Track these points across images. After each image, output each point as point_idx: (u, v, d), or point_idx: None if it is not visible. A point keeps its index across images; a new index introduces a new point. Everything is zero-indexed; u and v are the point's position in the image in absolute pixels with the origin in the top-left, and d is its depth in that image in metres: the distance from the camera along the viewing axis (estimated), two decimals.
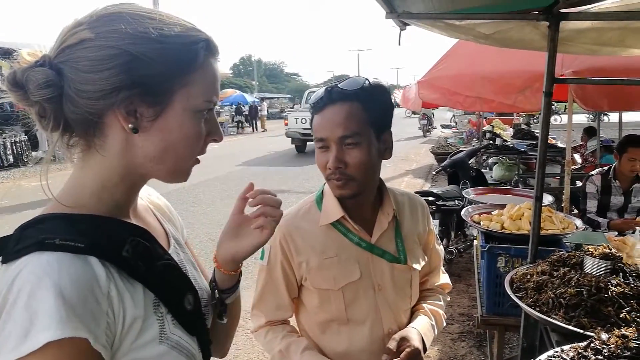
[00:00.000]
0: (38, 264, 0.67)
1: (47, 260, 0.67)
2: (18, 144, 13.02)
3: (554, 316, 1.48)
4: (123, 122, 0.75)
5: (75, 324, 0.65)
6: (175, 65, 0.76)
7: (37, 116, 0.75)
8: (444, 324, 1.55)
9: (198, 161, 0.86)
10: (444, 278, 1.63)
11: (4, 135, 12.76)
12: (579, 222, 2.70)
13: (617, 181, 3.88)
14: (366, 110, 1.26)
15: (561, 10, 1.93)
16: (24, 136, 13.27)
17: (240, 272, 1.00)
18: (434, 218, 4.73)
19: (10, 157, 12.75)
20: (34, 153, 13.66)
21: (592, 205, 3.93)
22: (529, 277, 1.75)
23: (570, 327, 1.40)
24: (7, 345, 0.63)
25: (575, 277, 1.58)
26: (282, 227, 1.36)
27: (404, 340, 1.30)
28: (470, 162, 6.37)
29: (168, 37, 0.76)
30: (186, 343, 0.83)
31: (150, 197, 1.01)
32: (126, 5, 0.78)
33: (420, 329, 1.38)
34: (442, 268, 1.65)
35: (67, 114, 0.75)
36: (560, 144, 7.67)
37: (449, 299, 1.62)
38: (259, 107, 28.73)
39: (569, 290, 1.53)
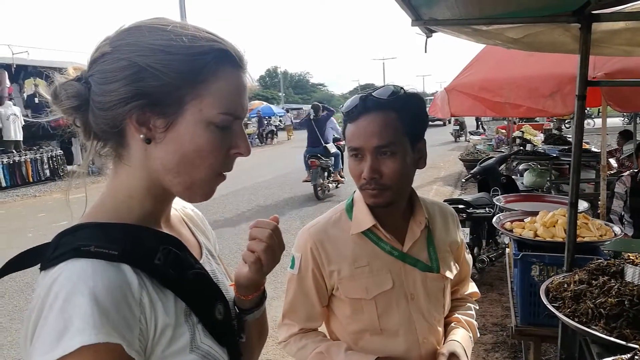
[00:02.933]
0: (74, 270, 0.69)
1: (82, 266, 0.69)
2: (54, 159, 13.46)
3: (594, 327, 1.43)
4: (136, 132, 0.77)
5: (108, 329, 0.66)
6: (181, 76, 0.75)
7: (75, 125, 0.81)
8: (478, 334, 1.52)
9: (223, 177, 0.84)
10: (472, 287, 1.61)
11: (41, 150, 13.22)
12: (617, 229, 2.61)
13: None
14: (401, 120, 1.24)
15: (593, 12, 1.88)
16: (60, 151, 13.73)
17: (261, 295, 0.98)
18: (464, 226, 4.66)
19: (47, 172, 13.19)
20: (69, 167, 14.12)
21: (617, 205, 3.93)
22: (565, 286, 1.70)
23: (612, 339, 1.35)
24: (42, 347, 0.64)
25: (615, 287, 1.52)
26: (312, 235, 1.36)
27: (453, 356, 1.30)
28: (500, 168, 6.25)
29: (176, 48, 0.75)
30: (216, 353, 0.83)
31: (185, 209, 1.03)
32: (149, 20, 0.79)
33: (463, 343, 1.37)
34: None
35: (92, 124, 0.78)
36: (594, 149, 7.45)
37: (477, 308, 1.60)
38: (266, 120, 29.26)
39: (610, 300, 1.48)
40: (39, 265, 0.75)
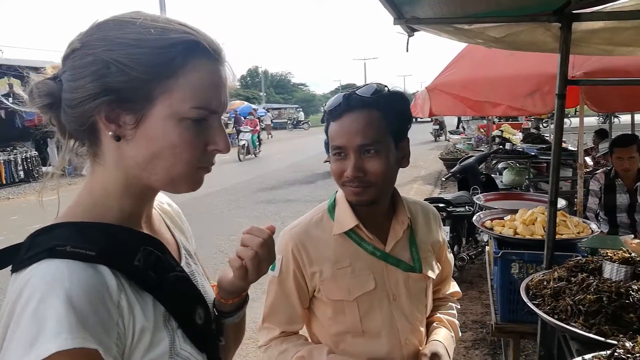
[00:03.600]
0: (48, 271, 0.66)
1: (58, 267, 0.66)
2: (29, 160, 13.16)
3: (573, 324, 1.45)
4: (105, 130, 0.75)
5: (85, 334, 0.63)
6: (149, 70, 0.72)
7: (51, 124, 0.78)
8: (460, 334, 1.52)
9: (205, 170, 0.81)
10: (454, 286, 1.62)
11: (15, 151, 12.90)
12: (594, 225, 2.65)
13: (620, 179, 3.92)
14: (385, 118, 1.23)
15: (573, 12, 1.90)
16: (34, 152, 13.42)
17: (243, 300, 0.96)
18: (444, 224, 4.69)
19: (22, 173, 12.89)
20: (44, 168, 13.81)
21: (592, 202, 4.04)
22: (545, 283, 1.71)
23: (591, 335, 1.36)
24: (14, 353, 0.61)
25: (594, 283, 1.54)
26: (294, 236, 1.34)
27: (435, 356, 1.30)
28: (480, 167, 6.31)
29: (143, 42, 0.72)
30: (195, 359, 0.81)
31: (162, 204, 0.99)
32: (122, 14, 0.76)
33: (445, 343, 1.37)
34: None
35: (64, 122, 0.76)
36: (570, 147, 7.59)
37: (459, 307, 1.60)
38: (259, 118, 29.23)
39: (588, 296, 1.49)
40: (9, 268, 0.71)
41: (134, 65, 0.71)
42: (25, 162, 13.06)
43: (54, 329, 0.61)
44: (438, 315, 1.49)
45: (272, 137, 29.49)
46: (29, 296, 0.64)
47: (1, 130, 12.54)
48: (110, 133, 0.74)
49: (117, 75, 0.71)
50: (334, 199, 1.39)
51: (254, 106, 33.00)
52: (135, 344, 0.71)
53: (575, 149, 5.94)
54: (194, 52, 0.75)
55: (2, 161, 12.36)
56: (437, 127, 22.97)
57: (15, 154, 12.82)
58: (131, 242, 0.77)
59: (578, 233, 2.57)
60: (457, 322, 1.51)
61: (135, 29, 0.73)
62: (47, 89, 0.74)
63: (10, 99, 12.52)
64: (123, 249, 0.74)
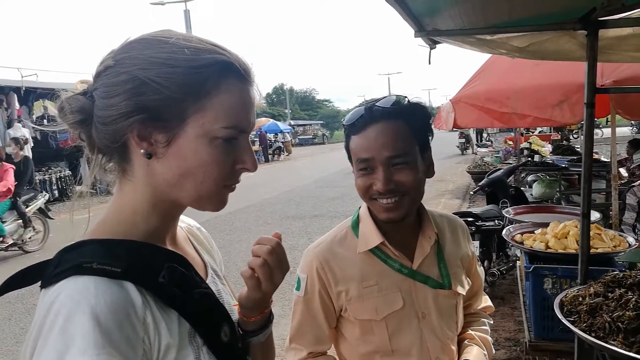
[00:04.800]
0: (75, 287, 0.67)
1: (84, 283, 0.67)
2: (63, 179, 13.57)
3: (612, 342, 1.38)
4: (137, 147, 0.75)
5: (110, 350, 0.63)
6: (183, 90, 0.73)
7: (80, 139, 0.80)
8: (493, 351, 1.46)
9: (230, 189, 0.82)
10: (485, 300, 1.55)
11: (50, 171, 13.32)
12: (631, 239, 2.55)
13: None
14: (411, 128, 1.21)
15: (599, 19, 1.85)
16: (68, 171, 13.84)
17: (267, 318, 0.94)
18: (473, 239, 4.59)
19: (56, 192, 13.29)
20: (77, 188, 14.18)
21: (629, 217, 3.82)
22: (580, 299, 1.64)
23: (632, 355, 1.29)
24: None
25: (633, 299, 1.47)
26: (318, 255, 1.31)
27: None
28: (508, 180, 6.18)
29: (177, 61, 0.73)
30: None
31: (191, 227, 1.00)
32: (154, 32, 0.78)
33: None
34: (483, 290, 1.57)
35: (95, 138, 0.77)
36: (603, 158, 7.36)
37: (492, 322, 1.53)
38: (274, 137, 29.35)
39: (628, 313, 1.42)
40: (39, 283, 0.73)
41: (168, 84, 0.72)
42: (59, 182, 13.46)
43: (80, 344, 0.62)
44: (470, 332, 1.43)
45: (287, 154, 28.34)
46: (56, 312, 0.65)
47: (37, 151, 12.98)
48: (142, 151, 0.75)
49: (151, 94, 0.72)
50: (357, 215, 1.36)
51: (279, 123, 33.48)
52: (162, 359, 0.71)
53: (608, 160, 5.76)
54: (227, 72, 0.76)
55: (38, 181, 12.76)
56: (463, 140, 22.72)
57: (50, 174, 13.23)
58: (156, 259, 0.77)
59: (614, 247, 2.48)
60: (490, 338, 1.45)
61: (170, 48, 0.74)
62: (78, 105, 0.76)
63: (45, 121, 13.00)
64: (148, 266, 0.75)
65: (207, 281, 0.87)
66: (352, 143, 1.24)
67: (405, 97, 1.24)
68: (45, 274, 0.72)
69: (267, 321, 0.94)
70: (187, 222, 1.00)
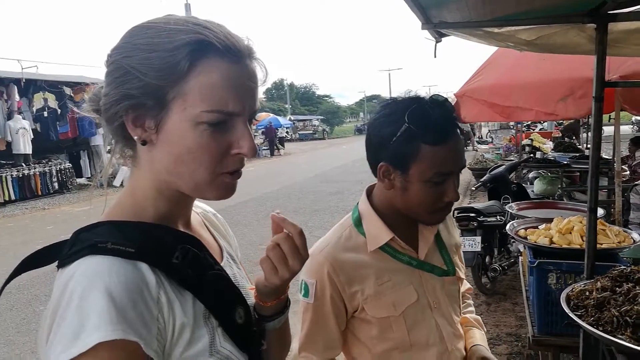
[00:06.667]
0: (89, 266, 0.68)
1: (99, 263, 0.68)
2: (63, 172, 13.53)
3: (620, 336, 1.37)
4: (132, 134, 0.76)
5: (125, 326, 0.64)
6: (161, 75, 0.71)
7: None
8: (485, 329, 1.53)
9: (234, 176, 0.79)
10: (466, 283, 1.58)
11: (50, 163, 13.30)
12: (636, 235, 2.54)
13: None
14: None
15: (609, 12, 1.84)
16: (69, 164, 13.82)
17: (283, 304, 0.93)
18: (475, 235, 4.59)
19: (56, 185, 13.26)
20: (77, 180, 14.19)
21: (635, 217, 3.76)
22: (587, 294, 1.63)
23: None
24: (59, 346, 0.63)
25: None
26: (328, 257, 1.26)
27: None
28: (510, 176, 6.16)
29: (155, 45, 0.72)
30: (236, 359, 0.80)
31: (207, 213, 1.01)
32: (148, 19, 0.77)
33: (485, 344, 1.37)
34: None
35: (105, 125, 0.79)
36: (605, 156, 7.35)
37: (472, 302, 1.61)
38: (277, 130, 29.01)
39: (636, 307, 1.42)
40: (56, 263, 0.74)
41: (147, 70, 0.71)
42: (59, 174, 13.43)
43: (95, 321, 0.63)
44: (465, 316, 1.48)
45: (279, 151, 26.77)
46: (72, 291, 0.66)
47: (37, 143, 12.95)
48: (136, 137, 0.76)
49: (134, 82, 0.72)
50: (358, 213, 1.33)
51: (280, 118, 33.39)
52: (176, 340, 0.72)
53: (610, 157, 5.75)
54: (204, 52, 0.72)
55: (37, 173, 12.74)
56: (463, 137, 22.67)
57: (50, 166, 13.20)
58: (169, 240, 0.78)
59: (619, 242, 2.47)
60: (479, 317, 1.51)
61: (149, 32, 0.73)
62: (95, 94, 0.79)
63: (45, 113, 12.97)
64: (161, 247, 0.76)
65: (222, 264, 0.88)
66: (427, 153, 1.14)
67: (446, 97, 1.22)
68: (61, 254, 0.73)
69: (283, 307, 0.93)
70: (202, 207, 1.01)
